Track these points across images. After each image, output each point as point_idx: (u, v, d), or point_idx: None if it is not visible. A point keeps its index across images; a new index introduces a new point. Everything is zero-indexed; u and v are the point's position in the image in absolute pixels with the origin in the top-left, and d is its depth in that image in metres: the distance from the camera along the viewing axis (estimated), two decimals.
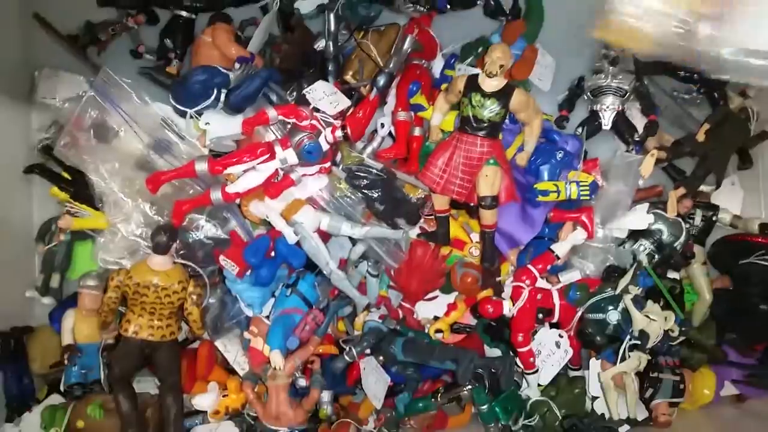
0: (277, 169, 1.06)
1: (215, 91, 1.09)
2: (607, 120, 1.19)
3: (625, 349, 1.04)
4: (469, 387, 1.07)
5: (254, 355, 1.06)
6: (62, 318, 1.11)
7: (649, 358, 1.06)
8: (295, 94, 1.17)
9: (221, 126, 1.11)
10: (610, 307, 1.05)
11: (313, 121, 1.05)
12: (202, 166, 1.01)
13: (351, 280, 1.10)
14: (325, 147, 1.05)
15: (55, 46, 1.19)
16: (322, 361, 1.11)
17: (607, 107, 1.19)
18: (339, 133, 1.05)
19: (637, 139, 1.19)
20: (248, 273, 1.05)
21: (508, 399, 1.08)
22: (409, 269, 1.14)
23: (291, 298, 1.07)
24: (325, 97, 1.09)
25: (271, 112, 1.04)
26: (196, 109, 1.09)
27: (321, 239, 1.08)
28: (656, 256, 1.12)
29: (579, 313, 1.07)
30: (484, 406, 1.05)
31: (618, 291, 1.04)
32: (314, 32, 1.21)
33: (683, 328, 1.07)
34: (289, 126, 1.07)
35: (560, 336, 1.08)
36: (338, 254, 1.14)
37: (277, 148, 1.04)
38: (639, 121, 1.21)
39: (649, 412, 1.09)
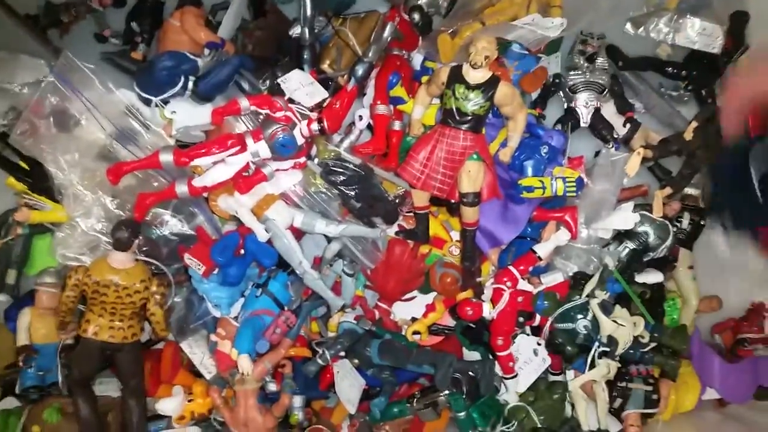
0: (248, 163, 1.00)
1: (183, 79, 1.03)
2: (585, 117, 1.16)
3: (594, 356, 1.01)
4: (447, 392, 1.03)
5: (221, 359, 1.01)
6: (18, 317, 1.05)
7: (619, 365, 1.03)
8: (268, 83, 1.11)
9: (189, 115, 1.05)
10: (579, 316, 1.02)
11: (288, 113, 0.99)
12: (167, 157, 0.95)
13: (325, 280, 1.05)
14: (300, 141, 1.00)
15: (13, 28, 1.12)
16: (293, 365, 1.07)
17: (585, 104, 1.15)
18: (315, 126, 1.00)
19: (616, 136, 1.15)
20: (215, 272, 0.99)
21: (485, 404, 1.04)
22: (386, 268, 1.10)
23: (261, 299, 1.02)
24: (300, 87, 1.03)
25: (243, 102, 0.98)
26: (162, 97, 1.03)
27: (294, 237, 1.02)
28: (625, 260, 1.10)
29: (548, 324, 1.04)
30: (462, 413, 1.01)
31: (584, 295, 1.01)
32: (289, 18, 1.15)
33: (655, 334, 1.05)
34: (261, 117, 1.01)
35: (538, 344, 1.05)
36: (312, 253, 1.09)
37: (249, 141, 0.98)
38: (614, 119, 1.17)
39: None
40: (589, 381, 1.01)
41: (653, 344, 1.06)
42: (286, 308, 1.03)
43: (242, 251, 1.00)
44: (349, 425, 1.07)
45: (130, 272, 0.97)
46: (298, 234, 1.05)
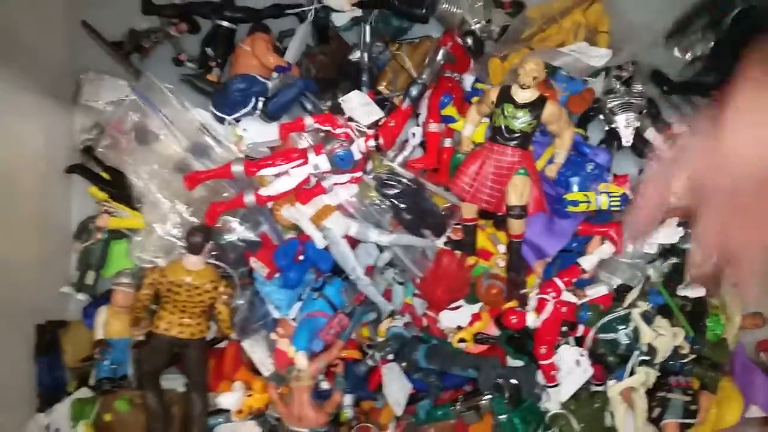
0: (309, 175, 1.08)
1: (254, 100, 1.13)
2: (627, 137, 1.19)
3: (634, 364, 1.04)
4: (489, 396, 1.06)
5: (279, 356, 1.08)
6: (95, 314, 1.13)
7: (659, 374, 1.05)
8: (329, 103, 1.19)
9: (258, 133, 1.14)
10: (621, 327, 1.05)
11: (347, 130, 1.07)
12: (238, 168, 1.04)
13: (377, 286, 1.11)
14: (357, 156, 1.08)
15: (100, 51, 1.23)
16: (345, 366, 1.12)
17: (625, 124, 1.19)
18: (371, 142, 1.08)
19: (658, 152, 1.18)
20: (277, 275, 1.07)
21: (527, 410, 1.07)
22: (434, 278, 1.15)
23: (317, 302, 1.08)
24: (359, 107, 1.11)
25: (308, 120, 1.08)
26: (234, 116, 1.13)
27: (349, 245, 1.09)
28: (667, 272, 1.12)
29: (591, 334, 1.07)
30: (503, 416, 1.05)
31: (625, 305, 1.04)
32: (349, 44, 1.24)
33: (695, 346, 1.07)
34: (323, 134, 1.09)
35: (581, 355, 1.08)
36: (365, 261, 1.15)
37: (311, 154, 1.06)
38: (652, 137, 1.21)
39: None
40: (628, 388, 1.04)
41: (693, 356, 1.08)
42: (339, 311, 1.10)
43: (301, 257, 1.08)
44: (395, 426, 1.12)
45: (201, 274, 1.05)
46: (353, 243, 1.11)
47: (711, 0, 1.20)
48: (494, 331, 1.19)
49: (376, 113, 1.11)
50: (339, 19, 1.21)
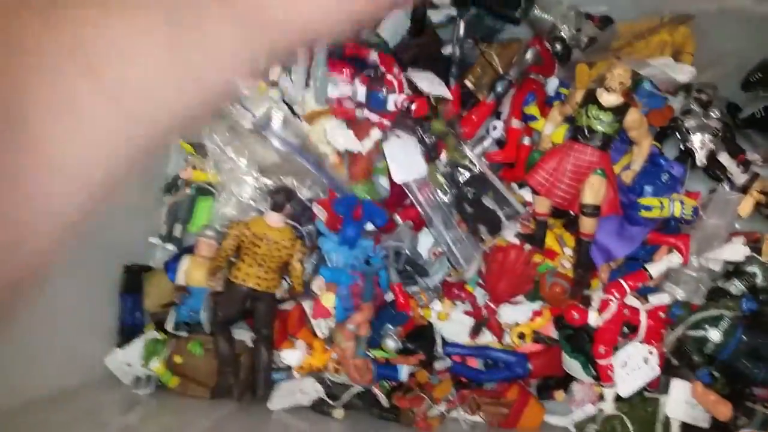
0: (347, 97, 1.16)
1: None
2: (701, 157, 1.22)
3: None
4: None
5: (318, 309, 1.13)
6: (179, 261, 1.21)
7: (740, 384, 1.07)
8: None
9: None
10: (711, 326, 1.06)
11: (396, 81, 1.14)
12: None
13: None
14: (391, 106, 1.14)
15: None
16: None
17: (700, 145, 1.22)
18: (406, 103, 1.14)
19: (730, 176, 1.21)
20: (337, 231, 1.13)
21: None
22: (500, 270, 1.19)
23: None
24: (428, 80, 1.17)
25: (372, 54, 1.16)
26: None
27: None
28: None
29: (680, 330, 1.08)
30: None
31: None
32: (442, 39, 1.30)
33: None
34: (377, 74, 1.16)
35: (650, 353, 1.09)
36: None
37: (356, 79, 1.15)
38: (730, 164, 1.23)
39: None
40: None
41: None
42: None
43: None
44: (457, 395, 1.16)
45: (281, 231, 1.13)
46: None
47: None
48: (552, 332, 1.21)
49: (441, 90, 1.16)
50: (435, 16, 1.28)
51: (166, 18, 0.28)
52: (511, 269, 1.18)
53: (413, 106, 1.14)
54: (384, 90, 1.13)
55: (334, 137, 1.16)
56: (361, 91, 1.14)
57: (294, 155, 1.20)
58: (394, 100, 1.14)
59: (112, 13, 0.27)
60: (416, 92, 1.16)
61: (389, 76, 1.14)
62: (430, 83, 1.16)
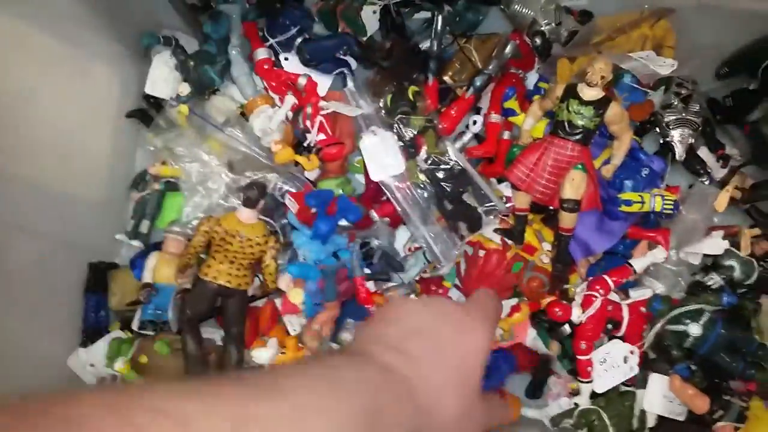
0: None
1: (295, 30, 1.19)
2: (681, 151, 1.21)
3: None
4: None
5: (286, 305, 1.11)
6: (146, 259, 1.16)
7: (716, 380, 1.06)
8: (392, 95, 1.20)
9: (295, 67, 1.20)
10: (691, 321, 1.05)
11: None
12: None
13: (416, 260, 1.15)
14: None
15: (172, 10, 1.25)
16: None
17: (680, 139, 1.21)
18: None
19: (709, 170, 1.21)
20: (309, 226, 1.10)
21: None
22: (480, 275, 1.16)
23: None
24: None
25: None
26: (279, 39, 1.19)
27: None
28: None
29: (660, 325, 1.07)
30: None
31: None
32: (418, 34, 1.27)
33: (759, 352, 1.06)
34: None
35: (631, 352, 1.08)
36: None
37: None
38: (709, 158, 1.23)
39: None
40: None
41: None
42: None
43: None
44: None
45: (254, 227, 1.08)
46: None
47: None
48: (528, 327, 1.19)
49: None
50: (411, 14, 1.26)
51: None
52: (490, 276, 1.16)
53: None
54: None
55: (254, 123, 1.15)
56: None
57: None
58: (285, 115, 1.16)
59: None
60: None
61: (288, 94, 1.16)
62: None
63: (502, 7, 1.22)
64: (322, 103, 1.16)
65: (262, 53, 1.17)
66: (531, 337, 1.17)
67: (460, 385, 0.50)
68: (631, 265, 1.08)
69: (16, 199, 1.01)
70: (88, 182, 1.19)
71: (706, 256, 1.14)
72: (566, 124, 1.04)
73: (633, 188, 1.12)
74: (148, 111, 1.26)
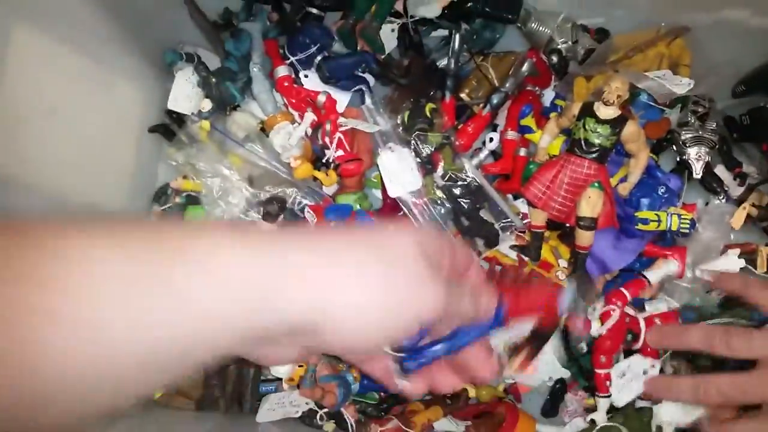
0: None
1: (315, 49, 1.19)
2: (698, 169, 1.21)
3: None
4: None
5: None
6: None
7: None
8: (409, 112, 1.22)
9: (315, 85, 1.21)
10: None
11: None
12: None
13: None
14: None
15: (194, 28, 1.28)
16: None
17: (696, 157, 1.21)
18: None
19: (726, 189, 1.21)
20: None
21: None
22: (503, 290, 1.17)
23: None
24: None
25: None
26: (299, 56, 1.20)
27: None
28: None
29: None
30: None
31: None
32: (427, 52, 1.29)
33: None
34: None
35: (652, 366, 1.08)
36: None
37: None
38: (726, 176, 1.23)
39: None
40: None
41: None
42: None
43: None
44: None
45: None
46: None
47: None
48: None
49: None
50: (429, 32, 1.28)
51: None
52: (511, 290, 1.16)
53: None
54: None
55: (274, 139, 1.16)
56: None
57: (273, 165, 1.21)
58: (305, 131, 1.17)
59: None
60: None
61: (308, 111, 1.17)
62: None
63: (519, 25, 1.23)
64: (340, 120, 1.17)
65: (282, 70, 1.19)
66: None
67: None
68: (645, 277, 1.08)
69: (40, 211, 1.03)
70: (110, 195, 1.21)
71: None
72: (583, 142, 1.05)
73: (650, 206, 1.12)
74: (170, 126, 1.28)
